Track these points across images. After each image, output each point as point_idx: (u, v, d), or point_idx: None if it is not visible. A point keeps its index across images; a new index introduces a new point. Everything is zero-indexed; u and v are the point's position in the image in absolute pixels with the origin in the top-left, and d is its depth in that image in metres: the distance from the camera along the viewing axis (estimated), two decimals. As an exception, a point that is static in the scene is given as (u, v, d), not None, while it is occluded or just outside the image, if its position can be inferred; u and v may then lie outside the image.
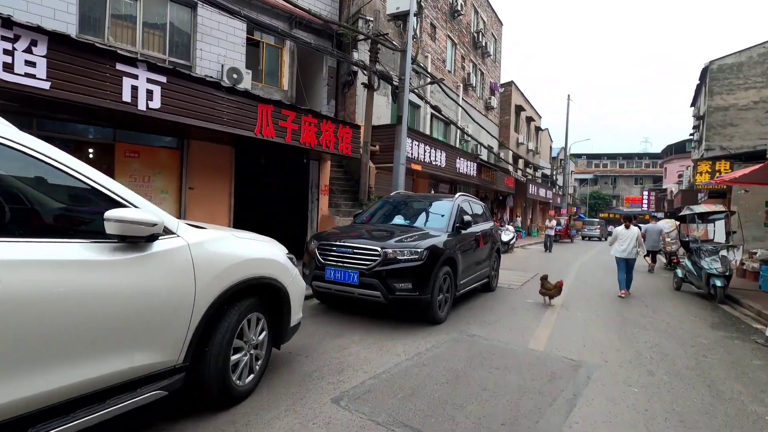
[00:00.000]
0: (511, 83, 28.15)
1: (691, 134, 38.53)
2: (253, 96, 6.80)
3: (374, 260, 4.69)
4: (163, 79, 5.65)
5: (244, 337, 2.83)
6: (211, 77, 7.27)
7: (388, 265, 4.65)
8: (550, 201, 35.21)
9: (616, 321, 5.92)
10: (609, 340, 4.93)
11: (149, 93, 5.49)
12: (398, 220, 6.09)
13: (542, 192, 31.14)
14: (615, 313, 6.44)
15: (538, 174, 35.09)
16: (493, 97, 25.06)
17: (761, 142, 25.13)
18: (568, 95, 35.81)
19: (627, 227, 8.13)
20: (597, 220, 37.54)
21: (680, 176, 42.90)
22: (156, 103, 5.57)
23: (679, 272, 9.12)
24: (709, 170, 18.40)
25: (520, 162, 30.18)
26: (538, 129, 35.80)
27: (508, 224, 20.10)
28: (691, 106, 39.09)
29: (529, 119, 32.23)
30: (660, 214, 48.64)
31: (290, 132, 7.41)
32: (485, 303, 6.64)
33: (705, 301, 7.88)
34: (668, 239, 13.68)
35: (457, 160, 16.83)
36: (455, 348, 4.30)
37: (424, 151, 14.03)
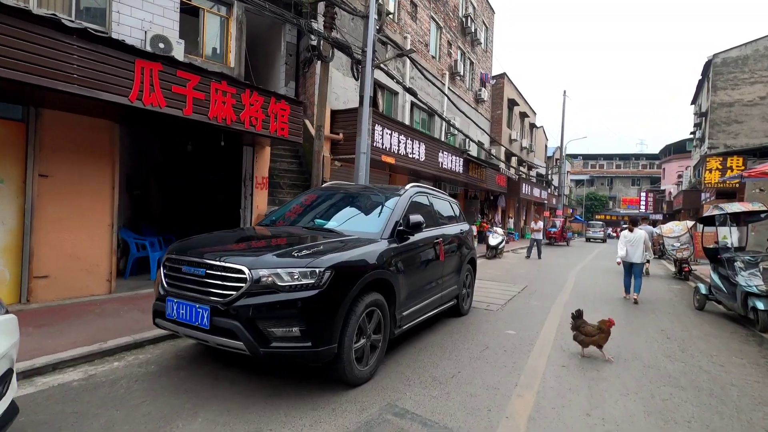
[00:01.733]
0: (503, 75, 26.35)
1: (691, 133, 36.88)
2: (126, 47, 4.87)
3: (237, 288, 2.78)
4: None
5: None
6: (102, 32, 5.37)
7: (259, 297, 2.75)
8: (545, 201, 33.43)
9: (634, 371, 4.03)
10: (630, 418, 3.05)
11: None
12: (319, 221, 4.19)
13: (536, 192, 29.35)
14: (630, 354, 4.54)
15: (533, 173, 33.30)
16: (483, 89, 23.24)
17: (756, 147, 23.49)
18: (564, 91, 34.15)
19: (632, 230, 7.79)
20: (600, 222, 38.75)
21: (680, 176, 41.35)
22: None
23: (702, 288, 7.27)
24: (720, 167, 16.64)
25: (513, 160, 28.37)
26: (532, 126, 34.04)
27: (497, 226, 18.23)
28: (692, 103, 37.49)
29: (523, 115, 30.46)
30: (658, 216, 47.02)
31: (191, 102, 5.49)
32: (446, 338, 4.74)
33: (742, 329, 6.03)
34: (677, 244, 11.87)
35: (440, 154, 14.96)
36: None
37: (399, 142, 12.14)
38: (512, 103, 27.57)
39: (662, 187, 51.66)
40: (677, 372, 4.05)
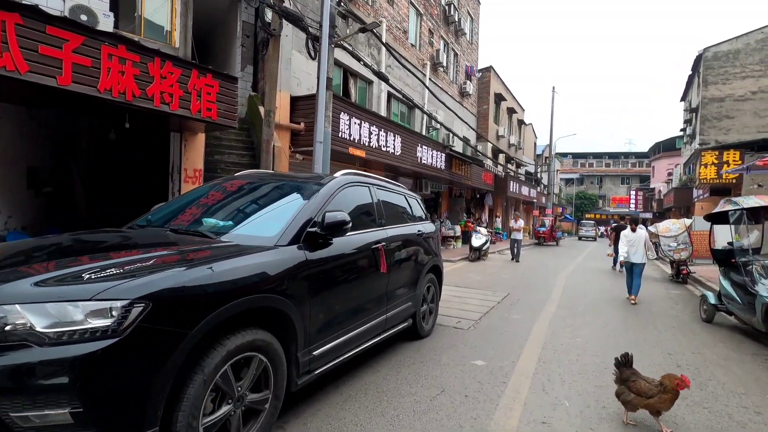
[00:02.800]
0: (489, 69, 25.31)
1: (681, 130, 36.30)
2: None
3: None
4: None
5: None
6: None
7: (-2, 355, 1.55)
8: (535, 200, 32.54)
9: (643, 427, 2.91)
10: None
11: None
12: (210, 221, 2.98)
13: (525, 190, 28.39)
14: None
15: (522, 171, 32.37)
16: (469, 82, 22.18)
17: (761, 136, 22.75)
18: (553, 87, 33.29)
19: (633, 230, 7.58)
20: (592, 222, 41.77)
21: (670, 174, 40.82)
22: None
23: (710, 297, 6.20)
24: (716, 161, 15.73)
25: (501, 157, 27.37)
26: (521, 123, 33.10)
27: (481, 226, 17.14)
28: (681, 100, 36.91)
29: (511, 111, 29.48)
30: (648, 215, 46.44)
31: (69, 68, 4.26)
32: (389, 377, 3.57)
33: (764, 349, 4.95)
34: (674, 244, 10.87)
35: (419, 149, 13.82)
36: None
37: (370, 134, 10.97)
38: (499, 97, 26.56)
39: (652, 186, 51.27)
40: (700, 422, 2.93)
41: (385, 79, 10.36)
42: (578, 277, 10.87)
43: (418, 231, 4.49)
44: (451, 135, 18.49)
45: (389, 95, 15.18)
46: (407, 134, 13.06)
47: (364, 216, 3.61)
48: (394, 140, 12.14)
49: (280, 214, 2.88)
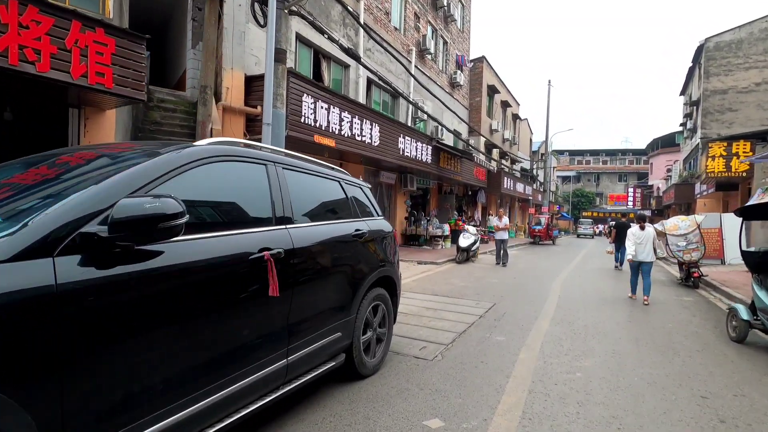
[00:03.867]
0: (482, 59, 24.07)
1: (681, 124, 35.20)
2: None
3: None
4: None
5: None
6: None
7: None
8: (530, 198, 31.35)
9: None
10: None
11: None
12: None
13: (520, 187, 27.18)
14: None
15: (517, 167, 31.17)
16: (460, 72, 20.92)
17: (765, 129, 21.63)
18: (549, 80, 32.06)
19: (642, 228, 7.26)
20: (590, 220, 43.35)
21: (669, 171, 39.74)
22: None
23: (742, 311, 4.96)
24: (725, 153, 14.52)
25: (495, 152, 26.16)
26: (515, 117, 31.90)
27: (470, 224, 15.88)
28: (681, 94, 35.84)
29: (505, 104, 28.26)
30: (646, 212, 45.41)
31: None
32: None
33: (823, 385, 3.72)
34: (683, 243, 9.65)
35: (402, 140, 12.55)
36: None
37: (342, 120, 9.69)
38: (492, 90, 25.33)
39: (650, 183, 50.17)
40: None
41: (356, 57, 9.09)
42: (577, 280, 9.63)
43: (356, 231, 3.22)
44: (440, 127, 17.25)
45: (369, 82, 13.91)
46: (387, 123, 11.79)
47: (249, 207, 2.35)
48: (371, 129, 10.87)
49: (43, 203, 1.60)
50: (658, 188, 45.13)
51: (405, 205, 16.50)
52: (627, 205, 54.85)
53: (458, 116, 19.08)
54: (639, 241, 7.15)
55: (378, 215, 3.81)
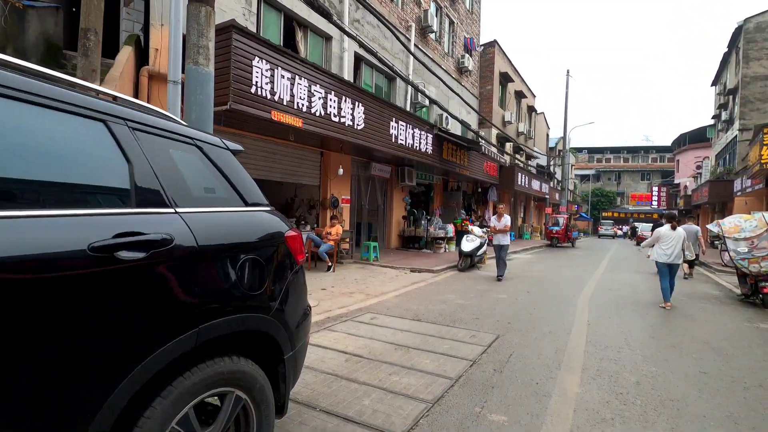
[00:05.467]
0: (494, 44, 21.97)
1: (714, 116, 32.36)
2: None
3: None
4: None
5: None
6: None
7: None
8: (547, 196, 29.02)
9: None
10: None
11: None
12: None
13: (536, 184, 24.91)
14: None
15: (532, 163, 28.88)
16: (468, 56, 18.89)
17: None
18: (567, 70, 29.66)
19: (674, 228, 6.90)
20: (611, 221, 45.04)
21: (698, 168, 36.84)
22: None
23: None
24: (784, 140, 12.18)
25: (509, 146, 24.00)
26: (531, 109, 29.62)
27: (476, 225, 13.82)
28: (713, 84, 33.02)
29: (519, 94, 26.05)
30: (672, 212, 42.47)
31: None
32: None
33: None
34: (744, 249, 7.50)
35: (394, 125, 10.64)
36: None
37: (311, 95, 7.84)
38: (505, 78, 23.18)
39: (676, 181, 47.04)
40: None
41: (326, 15, 7.20)
42: (609, 297, 7.56)
43: (121, 239, 1.32)
44: (445, 116, 15.28)
45: (359, 60, 12.04)
46: (375, 103, 9.88)
47: None
48: (353, 109, 8.99)
49: None
50: (686, 187, 42.23)
51: (403, 203, 14.57)
52: (651, 205, 51.79)
53: (467, 104, 17.01)
54: (668, 241, 6.84)
55: (249, 203, 1.92)
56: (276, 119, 7.04)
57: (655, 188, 50.89)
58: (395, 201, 14.12)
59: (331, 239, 9.09)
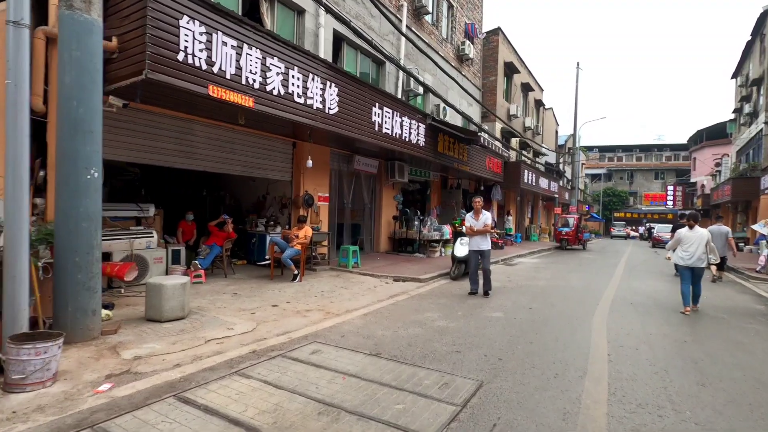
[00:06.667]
0: (497, 31, 20.48)
1: (735, 110, 30.41)
2: None
3: None
4: None
5: None
6: None
7: None
8: (556, 195, 27.39)
9: None
10: None
11: None
12: None
13: (544, 183, 23.31)
14: None
15: (540, 161, 27.26)
16: (469, 43, 17.42)
17: None
18: (578, 63, 28.07)
19: (692, 227, 6.37)
20: (623, 222, 45.25)
21: (717, 165, 34.83)
22: None
23: None
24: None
25: (514, 142, 22.45)
26: (539, 104, 28.01)
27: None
28: (733, 77, 31.08)
29: (526, 87, 24.49)
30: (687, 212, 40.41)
31: None
32: None
33: None
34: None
35: (377, 110, 9.23)
36: None
37: (265, 68, 6.48)
38: (510, 68, 21.66)
39: (693, 180, 44.90)
40: None
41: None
42: (631, 318, 6.05)
43: None
44: (442, 106, 13.85)
45: (339, 40, 10.68)
46: (352, 83, 8.48)
47: None
48: (323, 89, 7.62)
49: None
50: (703, 185, 40.20)
51: (394, 202, 13.16)
52: (666, 204, 49.66)
53: (469, 94, 15.52)
54: (688, 243, 6.36)
55: None
56: (215, 95, 5.69)
57: (671, 187, 48.75)
58: (385, 200, 12.72)
59: (298, 243, 7.72)
